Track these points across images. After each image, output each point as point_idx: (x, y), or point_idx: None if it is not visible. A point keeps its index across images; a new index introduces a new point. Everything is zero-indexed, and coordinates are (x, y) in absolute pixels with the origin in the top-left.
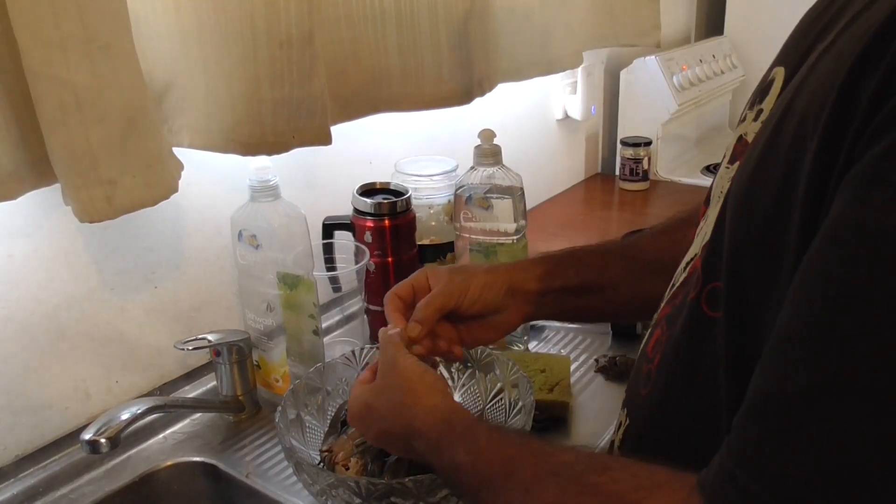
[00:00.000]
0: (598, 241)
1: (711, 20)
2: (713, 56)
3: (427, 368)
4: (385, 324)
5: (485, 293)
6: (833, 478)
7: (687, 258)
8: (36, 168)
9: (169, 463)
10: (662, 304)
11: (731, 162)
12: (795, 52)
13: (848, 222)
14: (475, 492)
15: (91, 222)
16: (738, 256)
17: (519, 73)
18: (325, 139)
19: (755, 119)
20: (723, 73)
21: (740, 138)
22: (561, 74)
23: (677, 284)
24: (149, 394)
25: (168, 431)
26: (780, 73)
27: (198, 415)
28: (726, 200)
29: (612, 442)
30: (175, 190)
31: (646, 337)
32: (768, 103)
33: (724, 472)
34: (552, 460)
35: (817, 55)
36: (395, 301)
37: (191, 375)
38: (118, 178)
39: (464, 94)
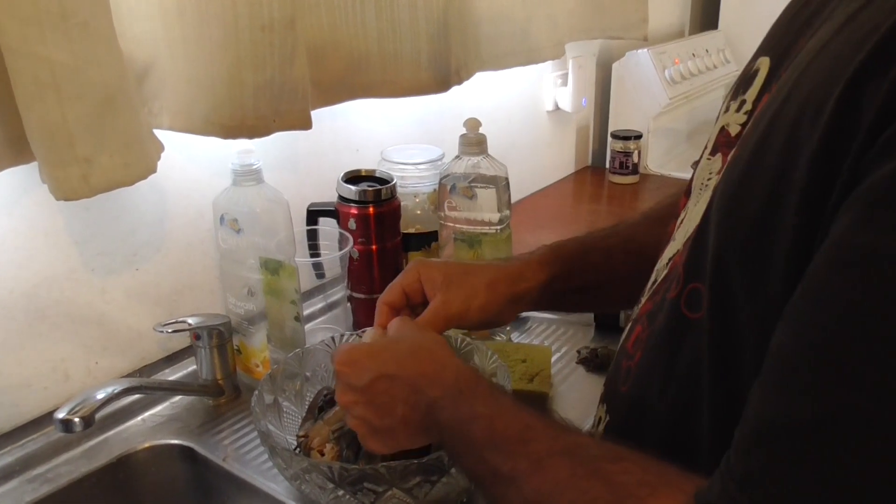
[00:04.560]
0: (602, 229)
1: (706, 14)
2: (706, 50)
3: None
4: (370, 312)
5: (485, 314)
6: None
7: (669, 253)
8: (13, 145)
9: (146, 445)
10: (644, 300)
11: (713, 153)
12: (780, 42)
13: (855, 244)
14: (481, 448)
15: (67, 200)
16: (723, 258)
17: (497, 62)
18: (306, 123)
19: (738, 110)
20: (716, 67)
21: (722, 129)
22: (552, 66)
23: (658, 280)
24: (129, 376)
25: (147, 414)
26: (764, 63)
27: (177, 398)
28: (712, 200)
29: (592, 436)
30: (153, 170)
31: (625, 333)
32: (751, 94)
33: (726, 496)
34: (568, 438)
35: (811, 54)
36: (384, 313)
37: (171, 359)
38: (95, 157)
39: (441, 82)
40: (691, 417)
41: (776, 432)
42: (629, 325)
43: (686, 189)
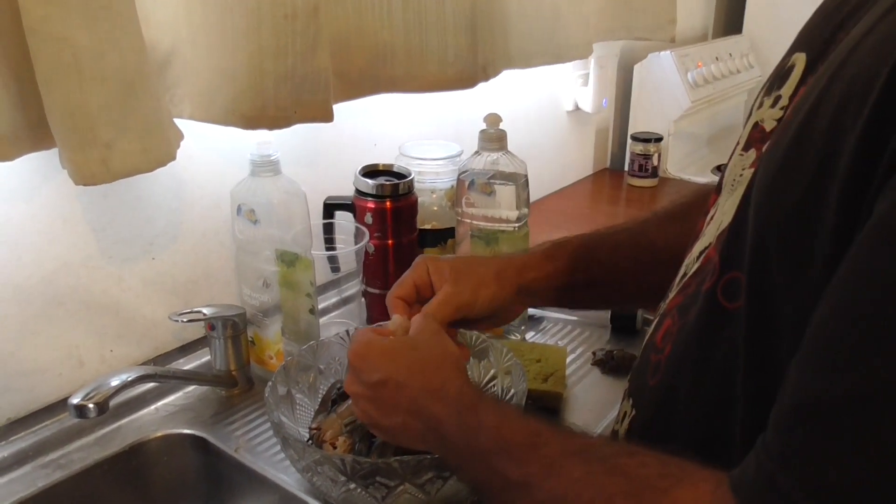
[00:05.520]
0: (610, 226)
1: (730, 18)
2: (730, 54)
3: (462, 354)
4: (385, 307)
5: (494, 304)
6: (878, 488)
7: (700, 247)
8: (34, 130)
9: (159, 434)
10: (672, 294)
11: (746, 149)
12: (817, 38)
13: None
14: (489, 457)
15: (86, 185)
16: (763, 245)
17: (525, 60)
18: (327, 116)
19: (773, 105)
20: (739, 72)
21: (756, 125)
22: (573, 66)
23: (689, 274)
24: (143, 364)
25: (160, 403)
26: (800, 58)
27: (190, 388)
28: (749, 189)
29: (616, 432)
30: (173, 158)
31: (653, 327)
32: (787, 89)
33: (764, 475)
34: (577, 440)
35: (853, 42)
36: (398, 305)
37: (186, 349)
38: (115, 142)
39: (468, 78)
40: (725, 409)
41: (816, 408)
42: (656, 319)
43: (716, 187)
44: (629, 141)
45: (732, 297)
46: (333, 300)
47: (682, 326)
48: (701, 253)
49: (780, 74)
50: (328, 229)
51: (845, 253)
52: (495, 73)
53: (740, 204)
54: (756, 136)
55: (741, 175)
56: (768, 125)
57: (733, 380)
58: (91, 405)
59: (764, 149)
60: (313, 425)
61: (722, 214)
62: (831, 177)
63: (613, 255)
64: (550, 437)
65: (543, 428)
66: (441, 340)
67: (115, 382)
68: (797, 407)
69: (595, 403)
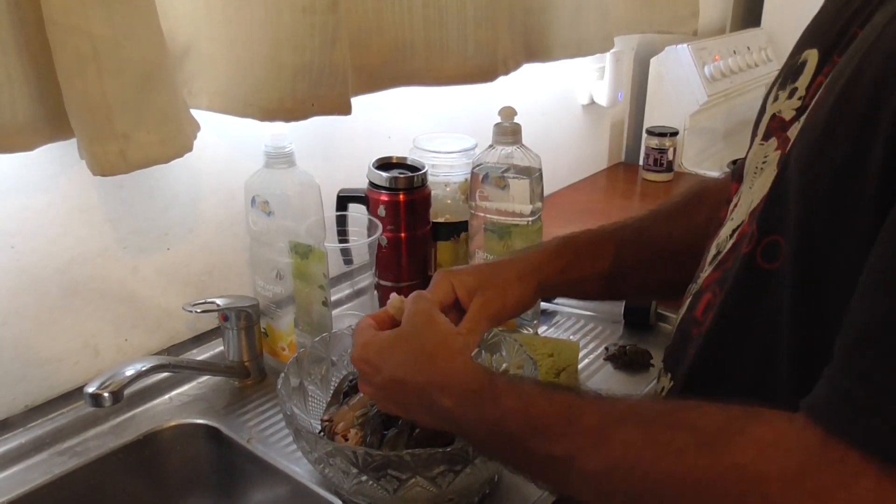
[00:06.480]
0: (612, 223)
1: (748, 11)
2: (748, 48)
3: (459, 332)
4: None
5: (521, 305)
6: None
7: (730, 229)
8: (53, 121)
9: (173, 423)
10: (707, 273)
11: (766, 138)
12: (828, 33)
13: None
14: (522, 440)
15: (104, 176)
16: (806, 210)
17: (546, 53)
18: (345, 109)
19: (789, 97)
20: (756, 65)
21: (774, 116)
22: (589, 59)
23: (724, 251)
24: (157, 354)
25: (174, 393)
26: (812, 54)
27: (204, 378)
28: (786, 163)
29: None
30: (189, 149)
31: (687, 305)
32: (803, 81)
33: (841, 393)
34: (619, 405)
35: (877, 30)
36: None
37: (199, 339)
38: (132, 133)
39: (488, 71)
40: (769, 367)
41: (887, 326)
42: (689, 298)
43: (738, 175)
44: (644, 135)
45: (772, 258)
46: (346, 292)
47: (723, 296)
48: (734, 231)
49: (793, 70)
50: (341, 221)
51: (890, 206)
52: (516, 67)
53: (775, 179)
54: (775, 126)
55: (763, 162)
56: (787, 115)
57: (777, 336)
58: (106, 394)
59: (792, 130)
60: (325, 417)
61: (751, 196)
62: (876, 133)
63: (619, 251)
64: (588, 407)
65: (576, 399)
66: (433, 325)
67: (129, 372)
68: (866, 329)
69: None
